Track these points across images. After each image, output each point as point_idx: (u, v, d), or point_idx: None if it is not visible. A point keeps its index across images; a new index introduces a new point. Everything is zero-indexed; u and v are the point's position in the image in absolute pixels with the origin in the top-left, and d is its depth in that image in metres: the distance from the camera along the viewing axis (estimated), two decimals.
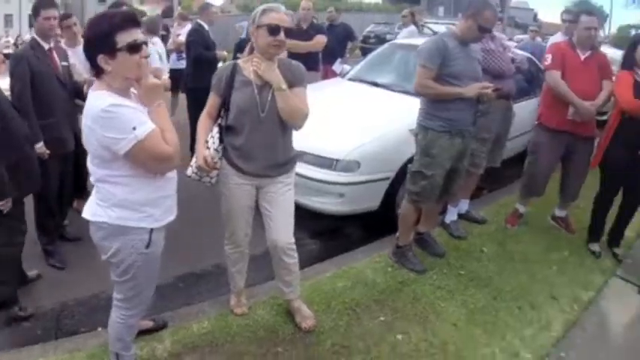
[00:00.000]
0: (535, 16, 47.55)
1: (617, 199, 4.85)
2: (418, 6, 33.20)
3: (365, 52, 8.83)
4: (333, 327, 3.38)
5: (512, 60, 4.83)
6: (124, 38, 2.19)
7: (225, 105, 2.99)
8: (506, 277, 4.27)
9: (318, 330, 3.32)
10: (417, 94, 3.97)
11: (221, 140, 3.01)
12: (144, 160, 2.26)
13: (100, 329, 3.27)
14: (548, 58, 4.74)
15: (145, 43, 2.29)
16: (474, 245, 4.74)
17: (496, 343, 3.47)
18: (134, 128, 2.16)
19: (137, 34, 2.24)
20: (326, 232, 5.05)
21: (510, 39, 12.08)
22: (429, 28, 21.03)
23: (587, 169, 4.97)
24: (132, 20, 2.25)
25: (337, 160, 4.47)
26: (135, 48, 2.22)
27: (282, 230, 3.11)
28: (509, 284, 4.17)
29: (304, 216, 4.53)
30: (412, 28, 9.91)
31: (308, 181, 4.45)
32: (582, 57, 4.67)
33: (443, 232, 4.89)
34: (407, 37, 9.31)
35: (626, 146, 4.44)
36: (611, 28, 51.33)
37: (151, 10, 22.24)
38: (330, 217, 4.78)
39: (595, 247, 4.94)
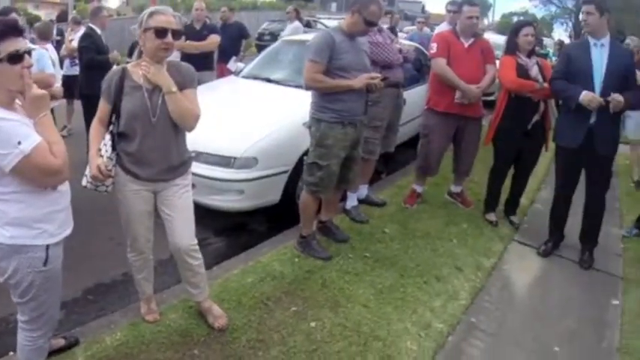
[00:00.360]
0: (423, 8, 49.52)
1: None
2: (311, 2, 33.66)
3: (260, 49, 8.94)
4: (247, 323, 3.35)
5: (400, 50, 5.02)
6: (4, 48, 2.08)
7: (115, 111, 2.89)
8: (411, 255, 4.44)
9: (232, 328, 3.28)
10: (307, 88, 4.02)
11: (114, 147, 2.92)
12: (32, 175, 2.16)
13: (11, 354, 3.07)
14: (434, 47, 5.06)
15: (29, 52, 2.18)
16: (377, 227, 4.88)
17: (408, 318, 3.60)
18: (19, 143, 2.06)
19: (19, 44, 2.13)
20: (230, 230, 5.01)
21: (400, 30, 12.63)
22: (321, 23, 21.43)
23: (477, 147, 5.35)
24: (13, 29, 2.14)
25: (235, 158, 4.44)
26: (16, 58, 2.11)
27: (184, 233, 3.06)
28: (413, 261, 4.34)
29: (207, 215, 4.51)
30: (297, 23, 10.09)
31: (207, 180, 4.39)
32: (466, 44, 5.04)
33: (345, 219, 4.99)
34: (291, 32, 9.48)
35: (515, 123, 4.87)
36: (495, 16, 54.72)
37: (47, 15, 21.09)
38: (234, 214, 4.77)
39: (492, 216, 5.31)
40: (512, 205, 5.44)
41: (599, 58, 4.32)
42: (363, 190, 5.33)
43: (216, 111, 4.93)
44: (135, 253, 3.19)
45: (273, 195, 4.74)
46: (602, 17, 4.29)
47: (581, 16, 4.46)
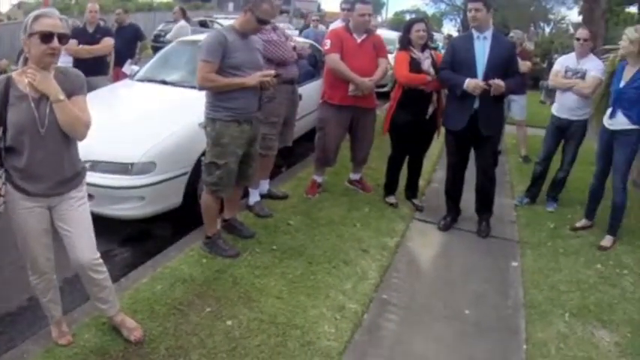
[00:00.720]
0: (319, 6, 50.49)
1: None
2: (209, 2, 33.06)
3: (156, 51, 8.73)
4: (163, 331, 3.29)
5: (294, 48, 5.10)
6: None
7: (1, 124, 2.73)
8: (317, 243, 4.55)
9: (149, 338, 3.21)
10: (200, 88, 4.00)
11: (1, 164, 2.76)
12: None
13: None
14: (328, 43, 5.25)
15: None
16: (281, 220, 4.95)
17: (322, 303, 3.69)
18: None
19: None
20: (135, 238, 4.87)
21: (294, 29, 12.78)
22: (218, 23, 21.25)
23: (372, 136, 5.62)
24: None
25: (132, 164, 4.33)
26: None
27: (84, 247, 2.92)
28: (320, 248, 4.45)
29: (109, 226, 4.36)
30: (182, 22, 9.94)
31: (106, 190, 4.25)
32: (359, 40, 5.25)
33: (249, 215, 5.01)
34: (177, 32, 9.36)
35: (408, 113, 5.15)
36: (388, 13, 56.50)
37: None
38: (136, 221, 4.66)
39: (391, 199, 5.58)
40: (412, 190, 5.74)
41: (482, 49, 4.73)
42: (265, 185, 5.38)
43: (110, 117, 4.80)
44: (36, 275, 3.03)
45: (174, 198, 4.67)
46: (488, 13, 4.70)
47: (469, 13, 4.76)
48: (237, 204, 4.74)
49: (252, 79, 3.92)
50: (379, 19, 48.31)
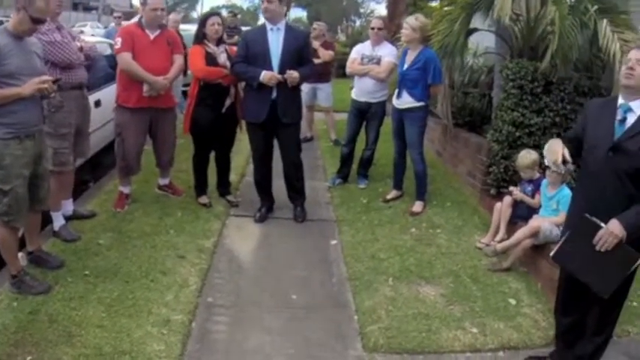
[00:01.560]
0: (131, 3, 48.85)
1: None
2: None
3: None
4: None
5: (81, 49, 4.67)
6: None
7: None
8: (131, 258, 4.29)
9: None
10: None
11: None
12: None
13: None
14: (118, 42, 4.93)
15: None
16: (91, 241, 4.57)
17: (145, 321, 3.49)
18: None
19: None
20: None
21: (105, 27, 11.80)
22: None
23: (174, 137, 5.43)
24: None
25: None
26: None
27: None
28: (135, 264, 4.21)
29: None
30: None
31: None
32: (152, 36, 5.01)
33: (56, 242, 4.56)
34: None
35: (208, 109, 5.06)
36: (203, 8, 55.87)
37: None
38: None
39: (204, 199, 5.46)
40: (224, 186, 5.67)
41: (276, 40, 4.84)
42: (69, 206, 4.92)
43: None
44: None
45: None
46: (281, 4, 4.82)
47: (262, 5, 4.85)
48: (38, 232, 4.27)
49: (29, 87, 3.46)
50: (195, 14, 49.01)
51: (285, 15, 5.59)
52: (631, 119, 2.83)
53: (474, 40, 6.99)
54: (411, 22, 5.25)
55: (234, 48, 5.26)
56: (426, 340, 3.49)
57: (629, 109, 2.85)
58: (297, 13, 45.10)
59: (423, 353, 3.41)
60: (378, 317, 3.67)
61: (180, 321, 3.51)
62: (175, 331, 3.40)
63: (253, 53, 4.83)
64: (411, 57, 5.33)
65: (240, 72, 4.90)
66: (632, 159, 2.76)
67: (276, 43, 4.82)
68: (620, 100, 2.90)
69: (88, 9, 49.92)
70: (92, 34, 16.64)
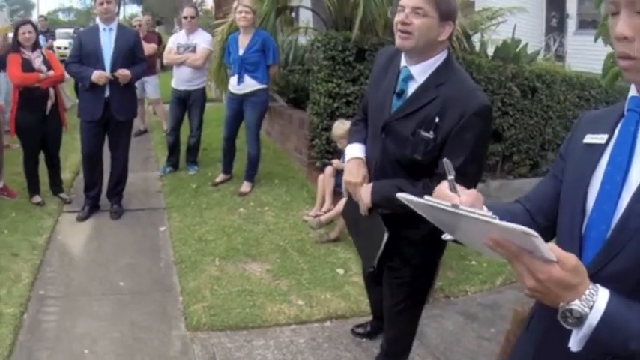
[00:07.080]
0: None
1: None
2: None
3: None
4: None
5: None
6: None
7: None
8: None
9: None
10: None
11: None
12: None
13: None
14: None
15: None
16: None
17: None
18: None
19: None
20: None
21: None
22: None
23: (1, 142, 5.57)
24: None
25: None
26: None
27: None
28: None
29: None
30: None
31: None
32: None
33: None
34: None
35: (31, 112, 5.23)
36: (40, 12, 52.30)
37: None
38: None
39: (37, 198, 5.61)
40: (56, 185, 5.83)
41: (108, 40, 5.09)
42: None
43: None
44: None
45: None
46: (115, 5, 5.09)
47: (103, 6, 5.00)
48: None
49: None
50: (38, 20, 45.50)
51: (118, 14, 5.84)
52: (411, 89, 2.24)
53: (303, 19, 7.27)
54: (250, 4, 5.50)
55: (50, 51, 5.49)
56: (249, 316, 3.68)
57: (410, 77, 2.24)
58: (133, 10, 44.29)
59: (247, 328, 3.58)
60: (202, 297, 3.88)
61: (12, 313, 3.65)
62: (6, 323, 3.53)
63: (86, 53, 5.05)
64: (245, 41, 5.58)
65: (73, 72, 5.16)
66: (403, 145, 2.19)
67: (108, 42, 5.07)
68: (402, 62, 2.28)
69: None
70: None
